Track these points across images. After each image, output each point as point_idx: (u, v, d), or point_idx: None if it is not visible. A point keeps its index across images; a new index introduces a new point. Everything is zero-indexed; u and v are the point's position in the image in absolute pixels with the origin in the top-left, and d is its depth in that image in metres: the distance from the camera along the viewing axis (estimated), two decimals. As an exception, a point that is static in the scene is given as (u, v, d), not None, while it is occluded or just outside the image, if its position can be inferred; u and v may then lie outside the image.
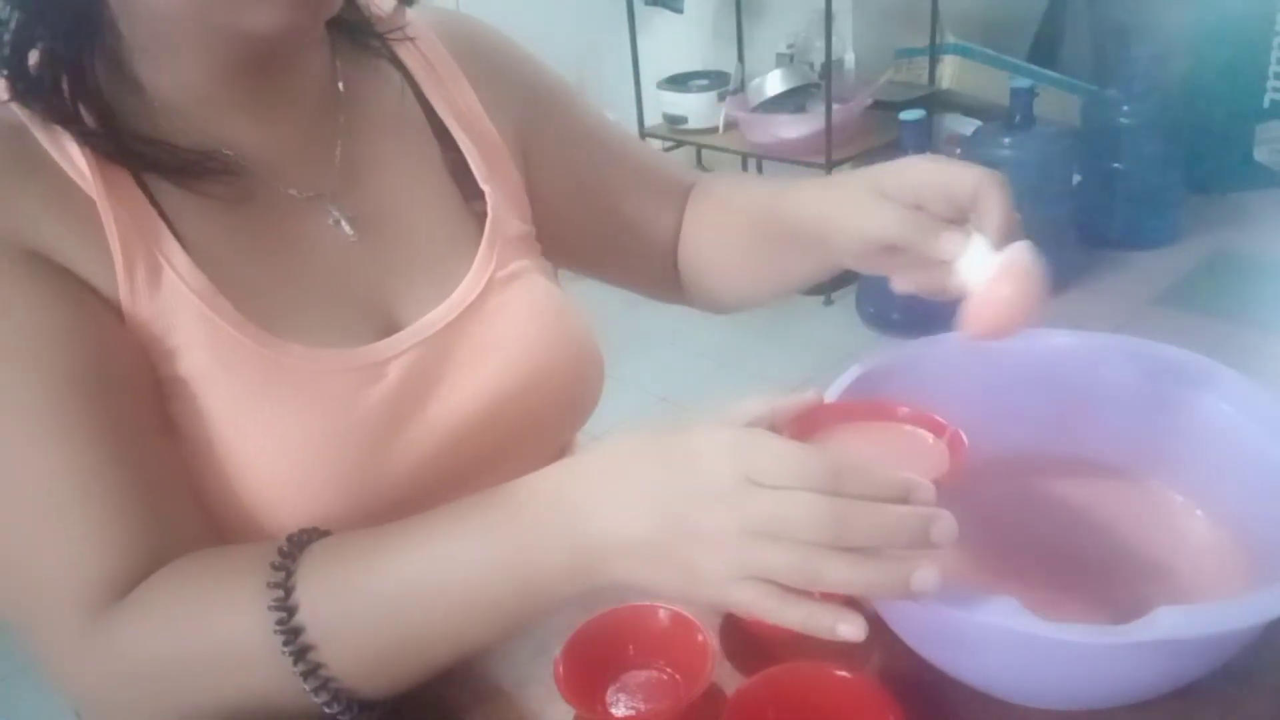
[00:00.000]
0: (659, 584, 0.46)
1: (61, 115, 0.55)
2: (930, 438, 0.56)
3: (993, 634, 0.45)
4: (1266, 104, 2.85)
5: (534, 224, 0.74)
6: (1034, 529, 0.61)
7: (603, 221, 0.79)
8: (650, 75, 2.91)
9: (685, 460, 0.45)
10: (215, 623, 0.51)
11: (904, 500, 0.44)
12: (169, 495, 0.55)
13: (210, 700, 0.51)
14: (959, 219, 0.57)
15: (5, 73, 0.55)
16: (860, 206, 0.59)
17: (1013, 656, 0.47)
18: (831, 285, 2.74)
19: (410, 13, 0.71)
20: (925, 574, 0.42)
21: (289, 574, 0.50)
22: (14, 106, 0.56)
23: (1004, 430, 0.63)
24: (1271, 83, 2.82)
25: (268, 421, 0.58)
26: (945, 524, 0.43)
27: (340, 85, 0.66)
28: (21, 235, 0.54)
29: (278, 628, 0.49)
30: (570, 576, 0.48)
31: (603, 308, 0.75)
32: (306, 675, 0.49)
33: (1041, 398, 0.63)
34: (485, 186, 0.69)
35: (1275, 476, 0.54)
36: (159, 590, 0.52)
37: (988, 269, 0.54)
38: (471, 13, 0.77)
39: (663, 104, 2.91)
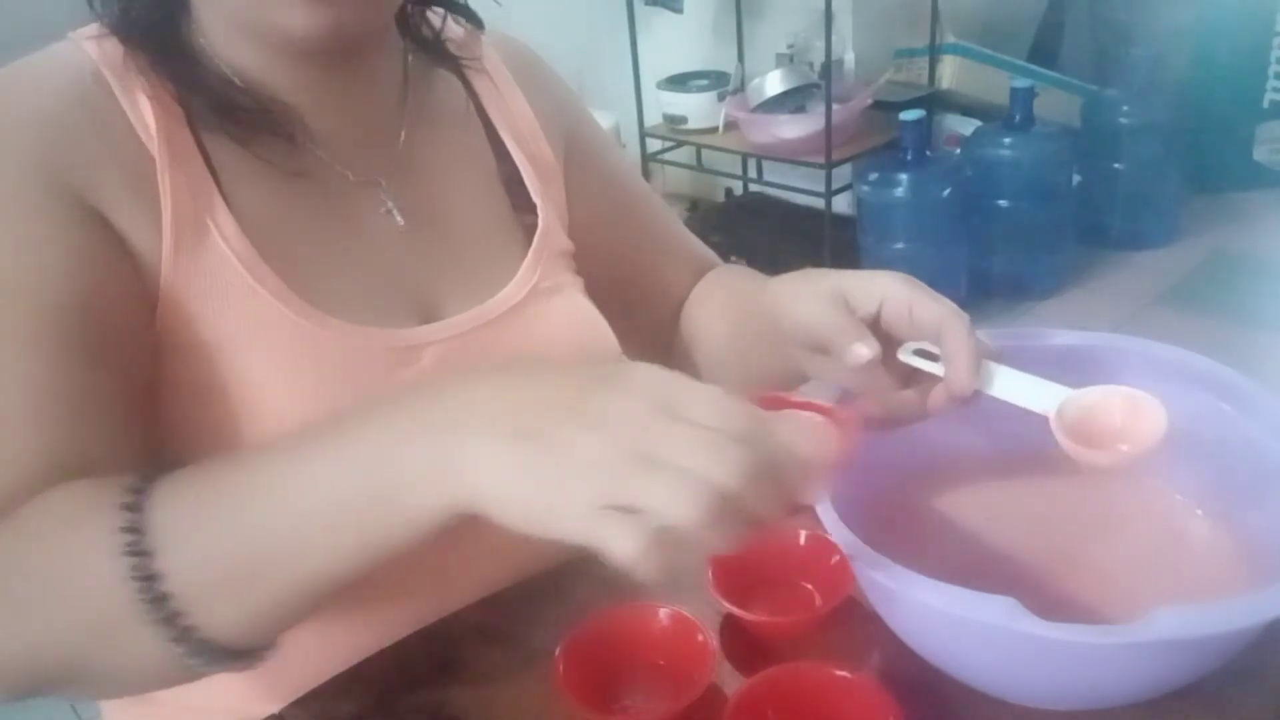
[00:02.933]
0: (518, 501, 0.41)
1: (153, 46, 0.58)
2: (821, 420, 0.54)
3: (993, 634, 0.45)
4: (1266, 104, 2.84)
5: None
6: (1034, 529, 0.61)
7: (614, 269, 0.79)
8: (650, 75, 2.91)
9: (603, 376, 0.43)
10: (65, 527, 0.47)
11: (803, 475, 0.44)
12: (102, 440, 0.53)
13: (49, 622, 0.47)
14: (915, 337, 0.58)
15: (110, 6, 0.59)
16: (803, 300, 0.60)
17: (1013, 656, 0.47)
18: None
19: (483, 40, 0.74)
20: None
21: (149, 480, 0.47)
22: (94, 56, 0.58)
23: (1004, 430, 0.64)
24: (1271, 83, 2.82)
25: (299, 390, 0.58)
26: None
27: (409, 88, 0.69)
28: (72, 179, 0.55)
29: (124, 525, 0.45)
30: (427, 481, 0.43)
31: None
32: (144, 585, 0.44)
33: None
34: (538, 200, 0.72)
35: (1275, 476, 0.54)
36: (35, 504, 0.48)
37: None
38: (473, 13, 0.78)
39: (663, 104, 2.91)
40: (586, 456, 0.40)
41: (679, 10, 2.91)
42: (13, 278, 0.53)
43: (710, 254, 0.85)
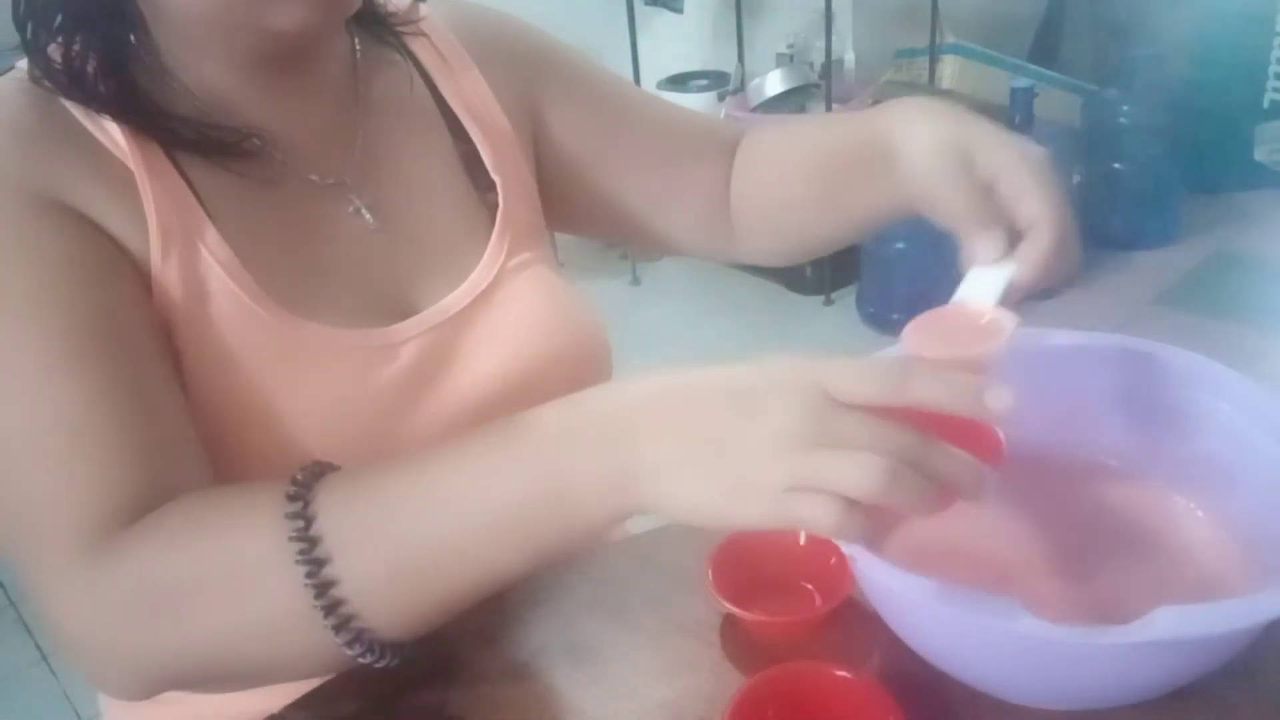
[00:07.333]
0: (701, 503, 0.43)
1: (89, 98, 0.57)
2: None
3: (993, 634, 0.45)
4: (1266, 104, 2.84)
5: (557, 193, 0.76)
6: (1034, 529, 0.61)
7: (631, 184, 0.78)
8: (650, 75, 2.91)
9: (761, 371, 0.45)
10: (228, 538, 0.49)
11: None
12: (175, 437, 0.55)
13: (216, 627, 0.49)
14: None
15: (33, 64, 0.57)
16: (925, 147, 0.62)
17: (1013, 656, 0.47)
18: (831, 285, 2.74)
19: (423, 7, 0.73)
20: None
21: (309, 488, 0.49)
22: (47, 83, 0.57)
23: (1004, 431, 0.63)
24: (1271, 83, 2.82)
25: (284, 394, 0.59)
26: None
27: (359, 82, 0.68)
28: (56, 190, 0.55)
29: (293, 534, 0.47)
30: (609, 491, 0.45)
31: (603, 307, 0.75)
32: (319, 592, 0.46)
33: (1042, 398, 0.63)
34: (496, 177, 0.71)
35: (1275, 476, 0.54)
36: (170, 516, 0.50)
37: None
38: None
39: (663, 104, 2.91)
40: (762, 449, 0.42)
41: (679, 10, 2.91)
42: (33, 299, 0.53)
43: (728, 126, 0.82)
